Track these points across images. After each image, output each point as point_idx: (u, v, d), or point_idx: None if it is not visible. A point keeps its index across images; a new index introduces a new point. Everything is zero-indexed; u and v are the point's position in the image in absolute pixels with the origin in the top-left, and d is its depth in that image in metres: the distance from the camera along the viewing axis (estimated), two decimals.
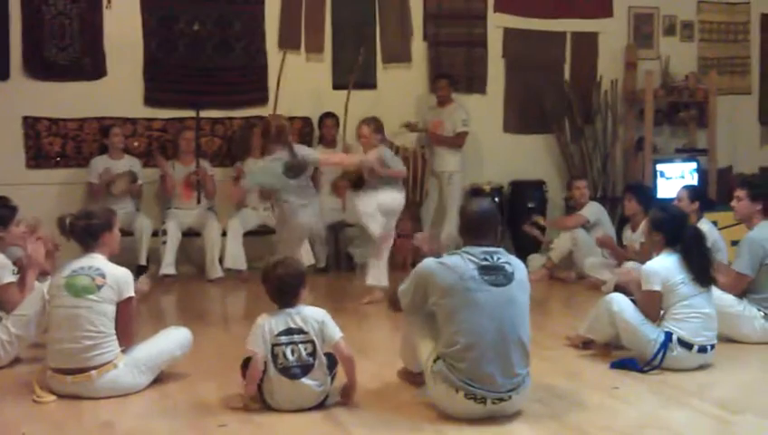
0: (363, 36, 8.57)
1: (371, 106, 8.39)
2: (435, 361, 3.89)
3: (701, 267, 4.71)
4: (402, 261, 7.64)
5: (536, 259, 7.76)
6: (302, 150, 6.47)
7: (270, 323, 3.97)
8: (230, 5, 8.29)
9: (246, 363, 4.02)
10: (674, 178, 8.54)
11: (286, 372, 3.92)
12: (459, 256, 3.94)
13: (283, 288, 4.03)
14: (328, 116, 8.23)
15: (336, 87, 8.43)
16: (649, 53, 9.36)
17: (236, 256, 7.55)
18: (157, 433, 3.79)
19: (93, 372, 4.15)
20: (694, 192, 6.55)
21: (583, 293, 6.95)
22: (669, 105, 9.29)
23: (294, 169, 6.12)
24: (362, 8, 8.66)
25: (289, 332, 3.96)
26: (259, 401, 4.01)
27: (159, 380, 4.41)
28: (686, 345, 4.58)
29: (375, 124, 6.72)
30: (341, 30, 8.58)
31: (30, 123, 7.83)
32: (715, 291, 4.89)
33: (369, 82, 8.59)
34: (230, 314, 6.45)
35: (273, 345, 3.93)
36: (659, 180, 8.59)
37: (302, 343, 3.95)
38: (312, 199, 6.45)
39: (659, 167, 8.68)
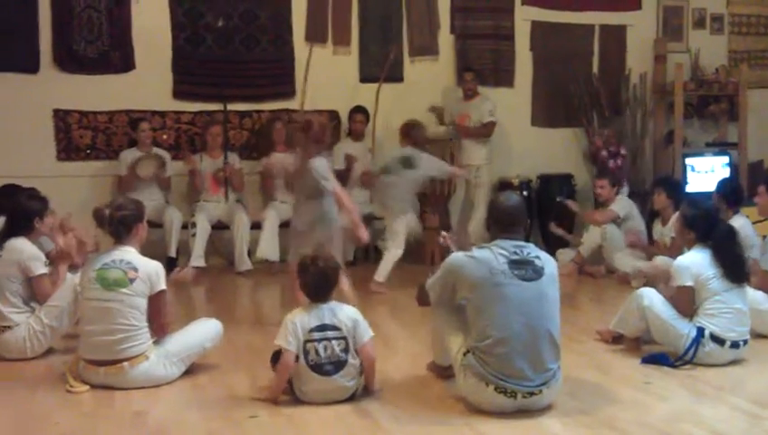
0: (390, 30, 8.55)
1: (398, 99, 8.42)
2: (464, 354, 3.89)
3: (733, 263, 4.67)
4: (430, 255, 7.62)
5: (565, 253, 7.72)
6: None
7: (303, 320, 3.97)
8: None
9: (276, 357, 4.04)
10: (704, 173, 8.46)
11: (318, 368, 3.92)
12: (489, 249, 3.94)
13: (322, 282, 4.03)
14: (358, 111, 8.22)
15: (363, 80, 8.43)
16: (679, 45, 9.29)
17: (272, 247, 7.53)
18: (188, 424, 3.82)
19: (126, 363, 4.19)
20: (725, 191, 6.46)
21: (613, 287, 6.91)
22: (699, 99, 9.22)
23: None
24: (389, 1, 8.64)
25: (323, 328, 3.96)
26: (289, 394, 4.02)
27: (190, 371, 4.44)
28: (719, 341, 4.55)
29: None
30: (368, 23, 8.58)
31: (60, 116, 7.88)
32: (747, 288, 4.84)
33: (396, 75, 8.58)
34: (260, 306, 6.46)
35: (306, 341, 3.93)
36: (689, 174, 8.52)
37: (335, 339, 3.96)
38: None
39: (689, 161, 8.61)
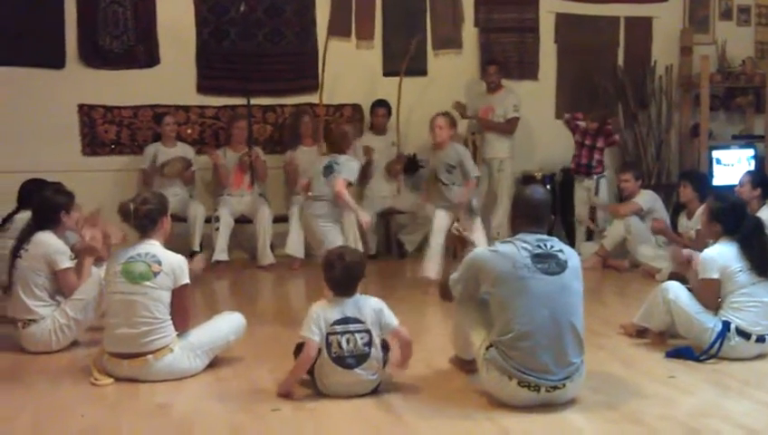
0: (414, 23, 8.53)
1: (422, 93, 8.41)
2: (487, 348, 3.88)
3: (760, 256, 4.62)
4: (452, 250, 7.59)
5: (589, 247, 7.69)
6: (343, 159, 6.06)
7: (326, 312, 3.98)
8: None
9: (299, 350, 4.05)
10: (730, 165, 8.39)
11: (340, 361, 3.93)
12: (512, 243, 3.92)
13: (348, 277, 4.04)
14: (379, 104, 8.22)
15: (386, 74, 8.42)
16: (705, 37, 9.19)
17: (298, 244, 7.54)
18: (211, 416, 3.83)
19: (150, 356, 4.21)
20: (757, 178, 6.42)
21: (637, 281, 6.88)
22: (726, 91, 9.12)
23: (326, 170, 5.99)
24: None
25: (345, 321, 3.97)
26: (311, 387, 4.03)
27: (214, 364, 4.46)
28: (745, 335, 4.51)
29: (450, 118, 6.77)
30: (392, 17, 8.57)
31: (85, 111, 7.95)
32: None
33: (420, 69, 8.56)
34: (282, 300, 6.48)
35: (329, 334, 3.94)
36: (715, 167, 8.45)
37: (357, 332, 3.96)
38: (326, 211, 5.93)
39: (715, 153, 8.54)
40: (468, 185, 6.71)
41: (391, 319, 4.04)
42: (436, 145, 6.70)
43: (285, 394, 4.00)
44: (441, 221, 6.63)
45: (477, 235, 6.58)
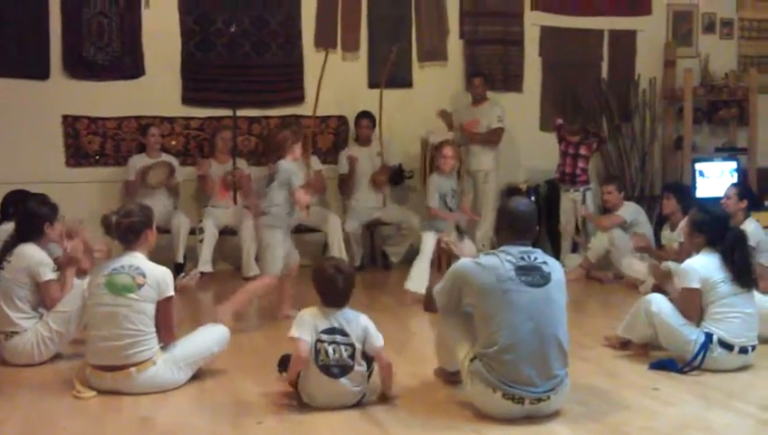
0: (399, 35, 8.56)
1: (407, 104, 8.43)
2: (471, 360, 3.89)
3: (742, 268, 4.66)
4: (437, 261, 7.60)
5: (573, 259, 7.72)
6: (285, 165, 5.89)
7: (316, 319, 3.99)
8: (267, 4, 8.30)
9: (283, 361, 4.05)
10: (713, 178, 8.43)
11: (326, 369, 3.93)
12: (496, 255, 3.93)
13: (337, 289, 4.04)
14: (363, 116, 8.22)
15: (372, 86, 8.43)
16: (688, 51, 9.25)
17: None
18: (195, 429, 3.82)
19: (133, 369, 4.19)
20: (743, 191, 6.46)
21: (620, 293, 6.90)
22: (709, 104, 9.18)
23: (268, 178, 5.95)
24: (398, 6, 8.65)
25: (332, 331, 3.97)
26: (296, 399, 4.03)
27: (197, 376, 4.45)
28: (727, 346, 4.53)
29: (457, 146, 6.91)
30: (377, 28, 8.59)
31: (69, 122, 7.93)
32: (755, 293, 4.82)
33: (405, 81, 8.59)
34: (266, 311, 6.44)
35: (317, 341, 3.95)
36: (698, 180, 8.49)
37: (343, 344, 3.97)
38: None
39: (698, 166, 8.58)
40: (465, 203, 6.90)
41: (376, 339, 4.03)
42: (443, 172, 6.74)
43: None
44: (431, 245, 6.64)
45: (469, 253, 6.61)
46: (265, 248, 5.76)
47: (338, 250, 7.56)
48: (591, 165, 8.16)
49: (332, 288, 4.04)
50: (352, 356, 3.96)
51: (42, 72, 7.81)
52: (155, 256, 4.57)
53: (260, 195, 5.91)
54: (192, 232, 7.59)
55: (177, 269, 7.30)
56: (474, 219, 6.85)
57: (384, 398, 4.10)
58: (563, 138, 8.01)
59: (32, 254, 4.85)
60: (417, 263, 6.65)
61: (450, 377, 4.29)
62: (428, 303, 4.27)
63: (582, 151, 7.89)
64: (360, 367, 3.98)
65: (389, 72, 8.05)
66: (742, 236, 4.83)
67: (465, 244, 6.63)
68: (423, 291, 6.30)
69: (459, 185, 6.88)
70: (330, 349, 3.94)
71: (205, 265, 7.46)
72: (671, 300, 4.78)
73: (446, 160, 6.71)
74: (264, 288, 5.85)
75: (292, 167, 5.80)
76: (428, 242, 6.64)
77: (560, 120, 8.20)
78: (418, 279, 6.48)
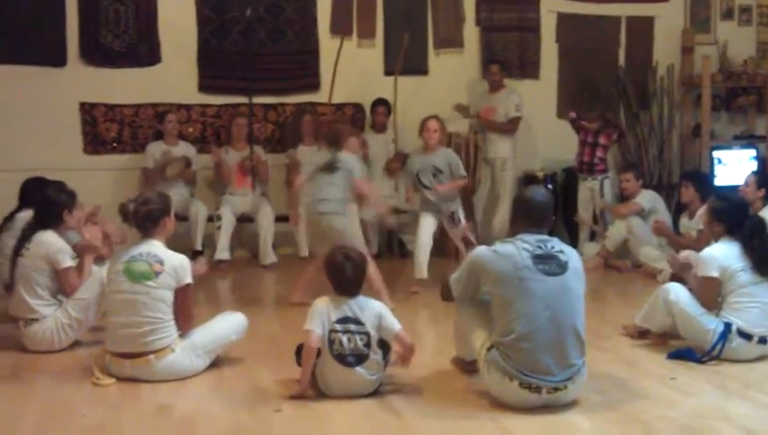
0: (415, 22, 8.53)
1: (423, 92, 8.40)
2: (488, 350, 3.88)
3: (762, 256, 4.62)
4: (455, 249, 7.59)
5: (591, 247, 7.70)
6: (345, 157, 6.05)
7: (329, 309, 3.99)
8: None
9: (300, 351, 4.05)
10: (732, 165, 8.38)
11: (341, 359, 3.94)
12: (513, 244, 3.92)
13: (349, 277, 4.04)
14: (379, 103, 8.21)
15: (388, 73, 8.41)
16: (707, 37, 9.18)
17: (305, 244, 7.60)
18: (213, 417, 3.83)
19: (152, 356, 4.21)
20: (762, 179, 6.40)
21: (639, 281, 6.88)
22: (727, 91, 9.12)
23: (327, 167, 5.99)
24: None
25: (345, 320, 3.97)
26: (313, 387, 4.04)
27: (215, 364, 4.46)
28: (746, 336, 4.51)
29: (442, 121, 6.74)
30: (393, 15, 8.56)
31: (87, 109, 7.96)
32: None
33: (420, 68, 8.57)
34: (284, 299, 6.47)
35: (331, 331, 3.95)
36: (717, 167, 8.44)
37: (357, 333, 3.96)
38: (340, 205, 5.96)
39: (717, 154, 8.52)
40: (456, 182, 6.60)
41: (393, 323, 4.04)
42: (427, 148, 6.65)
43: (299, 395, 3.99)
44: (427, 226, 6.59)
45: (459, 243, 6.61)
46: (352, 237, 5.78)
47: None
48: (609, 153, 8.12)
49: (341, 276, 4.05)
50: (367, 344, 3.96)
51: (59, 60, 7.84)
52: (173, 244, 4.58)
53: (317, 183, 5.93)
54: (210, 219, 7.61)
55: (195, 256, 7.32)
56: (441, 192, 6.49)
57: (397, 366, 4.13)
58: (581, 127, 7.97)
59: (51, 241, 4.87)
60: (416, 250, 6.61)
61: (467, 366, 4.29)
62: (445, 292, 4.26)
63: (601, 141, 7.86)
64: (376, 355, 3.98)
65: (403, 58, 8.00)
66: (761, 225, 4.79)
67: (458, 229, 6.60)
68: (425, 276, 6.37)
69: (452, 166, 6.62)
70: (344, 338, 3.95)
71: (222, 252, 7.49)
72: (690, 289, 4.76)
73: (429, 134, 6.55)
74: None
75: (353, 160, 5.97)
76: (421, 226, 6.59)
77: (572, 114, 8.14)
78: (418, 265, 6.50)
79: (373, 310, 4.03)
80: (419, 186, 6.60)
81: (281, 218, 7.72)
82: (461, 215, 6.73)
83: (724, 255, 4.65)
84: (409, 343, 4.08)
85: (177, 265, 4.32)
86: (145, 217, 4.36)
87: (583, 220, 7.96)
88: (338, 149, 5.92)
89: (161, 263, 4.29)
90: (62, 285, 4.87)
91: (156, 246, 4.37)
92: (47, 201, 5.01)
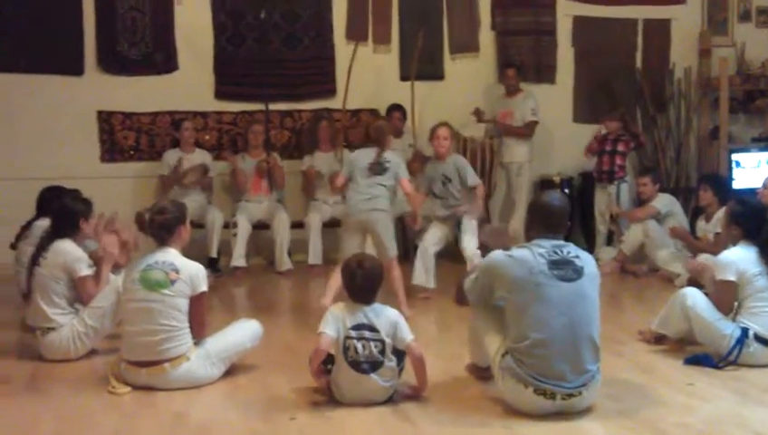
0: (430, 27, 8.53)
1: (439, 97, 8.40)
2: (503, 356, 3.87)
3: None
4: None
5: (607, 251, 7.67)
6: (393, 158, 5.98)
7: (345, 315, 4.00)
8: None
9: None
10: (750, 168, 8.32)
11: (356, 365, 3.94)
12: (528, 249, 3.91)
13: (365, 285, 4.04)
14: (395, 108, 8.21)
15: (404, 78, 8.39)
16: (724, 39, 9.12)
17: (318, 251, 7.61)
18: (229, 425, 3.85)
19: (167, 364, 4.23)
20: None
21: (655, 286, 6.83)
22: (745, 93, 9.04)
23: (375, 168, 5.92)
24: None
25: (360, 327, 3.97)
26: (327, 394, 4.04)
27: (231, 372, 4.48)
28: (763, 341, 4.48)
29: (451, 129, 6.72)
30: (409, 21, 8.56)
31: (104, 117, 8.00)
32: None
33: (436, 73, 8.56)
34: (300, 306, 6.49)
35: (346, 338, 3.96)
36: (735, 170, 8.38)
37: (372, 340, 3.96)
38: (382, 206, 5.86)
39: (735, 156, 8.46)
40: (476, 200, 6.62)
41: (406, 333, 4.02)
42: (438, 156, 6.61)
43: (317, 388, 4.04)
44: (432, 235, 6.57)
45: (468, 247, 6.48)
46: (391, 240, 5.81)
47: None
48: (627, 158, 8.08)
49: (352, 283, 4.05)
50: (382, 352, 3.96)
51: (76, 68, 7.90)
52: (188, 251, 4.60)
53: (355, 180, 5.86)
54: (226, 226, 7.62)
55: (211, 263, 7.37)
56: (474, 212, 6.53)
57: (416, 391, 4.08)
58: (601, 141, 7.92)
59: (68, 250, 4.90)
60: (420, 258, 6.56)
61: (482, 373, 4.28)
62: (460, 296, 4.25)
63: (620, 148, 7.84)
64: (390, 362, 3.98)
65: (417, 58, 7.99)
66: None
67: (465, 238, 6.51)
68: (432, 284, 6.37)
69: (461, 174, 6.58)
70: (359, 345, 3.95)
71: (238, 259, 7.51)
72: (707, 293, 4.73)
73: (439, 142, 6.52)
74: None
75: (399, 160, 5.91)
76: (428, 234, 6.58)
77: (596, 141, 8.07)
78: (418, 272, 6.46)
79: (389, 318, 4.03)
80: (431, 195, 6.60)
81: (296, 225, 7.76)
82: (466, 220, 6.58)
83: (741, 259, 4.62)
84: (419, 355, 4.04)
85: (193, 274, 4.34)
86: (161, 226, 4.38)
87: (601, 222, 7.90)
88: (382, 147, 5.83)
89: (177, 271, 4.31)
90: (79, 293, 4.89)
91: (172, 255, 4.39)
92: (63, 210, 5.03)
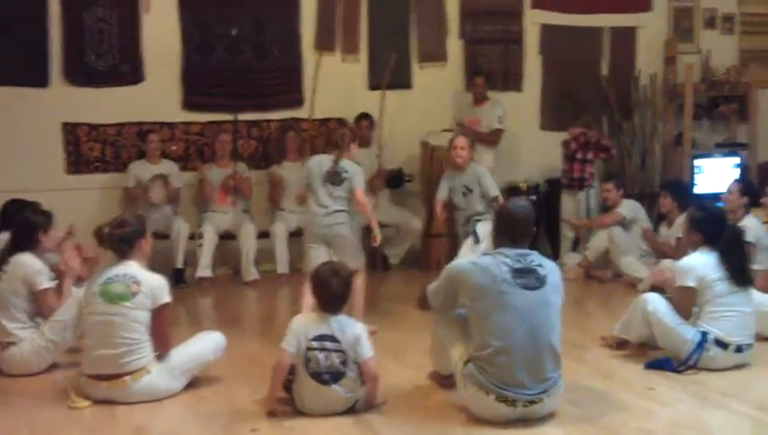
0: (399, 36, 8.55)
1: (407, 106, 8.42)
2: (465, 363, 3.89)
3: (739, 266, 4.65)
4: (435, 261, 7.60)
5: (573, 257, 7.71)
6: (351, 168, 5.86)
7: (307, 326, 3.99)
8: (266, 8, 8.30)
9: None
10: (714, 174, 8.40)
11: (317, 376, 3.93)
12: (493, 257, 3.93)
13: (334, 292, 4.03)
14: (363, 117, 8.21)
15: (372, 88, 8.41)
16: (689, 46, 9.21)
17: (284, 261, 7.61)
18: None
19: (128, 377, 4.20)
20: (745, 187, 6.41)
21: (620, 292, 6.86)
22: (709, 99, 9.14)
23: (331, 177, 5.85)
24: (398, 7, 8.63)
25: (322, 338, 3.96)
26: (290, 405, 4.03)
27: (193, 384, 4.45)
28: (723, 345, 4.52)
29: (470, 138, 6.72)
30: (377, 30, 8.57)
31: (70, 129, 7.93)
32: (752, 291, 4.81)
33: (404, 82, 8.57)
34: (265, 317, 6.47)
35: (307, 349, 3.95)
36: (699, 176, 8.45)
37: (334, 350, 3.95)
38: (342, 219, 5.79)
39: (699, 162, 8.54)
40: (497, 203, 6.44)
41: (366, 349, 4.00)
42: (456, 167, 6.61)
43: (270, 412, 4.00)
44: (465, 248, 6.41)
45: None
46: (356, 251, 5.77)
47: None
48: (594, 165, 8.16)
49: (326, 291, 4.04)
50: (344, 362, 3.95)
51: (42, 80, 7.82)
52: (154, 262, 4.58)
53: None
54: (192, 237, 7.59)
55: (177, 274, 7.34)
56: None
57: (368, 406, 4.07)
58: (572, 143, 7.97)
59: (28, 263, 4.85)
60: None
61: (444, 381, 4.28)
62: (422, 301, 4.25)
63: (589, 156, 7.91)
64: (352, 373, 3.97)
65: (388, 77, 8.02)
66: (738, 235, 4.83)
67: (479, 248, 6.30)
68: None
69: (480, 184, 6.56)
70: (320, 356, 3.94)
71: (204, 269, 7.47)
72: (669, 299, 4.77)
73: (456, 152, 6.51)
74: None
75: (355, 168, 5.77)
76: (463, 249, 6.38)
77: (573, 145, 8.13)
78: None
79: (353, 332, 4.01)
80: (452, 204, 6.61)
81: (263, 235, 7.74)
82: (480, 231, 6.34)
83: (701, 264, 4.66)
84: (373, 372, 4.02)
85: (155, 286, 4.32)
86: (120, 239, 4.36)
87: (568, 227, 7.96)
88: (340, 155, 5.70)
89: (138, 284, 4.28)
90: (39, 307, 4.84)
91: (133, 268, 4.36)
92: (22, 223, 4.99)
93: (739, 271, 4.65)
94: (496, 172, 8.25)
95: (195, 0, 8.13)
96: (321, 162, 5.76)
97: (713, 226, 4.78)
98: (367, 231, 7.88)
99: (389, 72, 8.00)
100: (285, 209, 7.87)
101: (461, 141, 6.57)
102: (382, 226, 7.97)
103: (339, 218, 5.69)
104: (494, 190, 6.63)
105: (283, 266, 7.61)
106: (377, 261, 8.20)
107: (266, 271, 7.70)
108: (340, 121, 8.41)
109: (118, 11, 7.98)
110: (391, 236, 8.14)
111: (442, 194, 6.72)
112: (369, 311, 5.79)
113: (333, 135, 6.01)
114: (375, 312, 5.86)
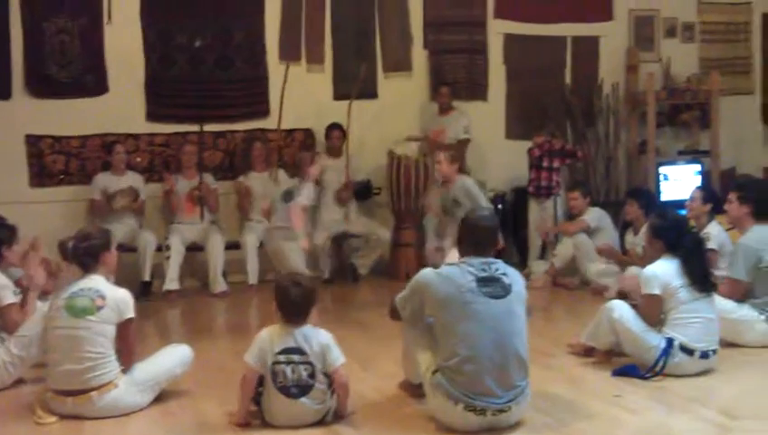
0: (363, 46, 8.57)
1: (373, 116, 8.43)
2: (433, 373, 3.89)
3: (701, 273, 4.70)
4: (405, 271, 7.61)
5: (539, 265, 7.75)
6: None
7: (272, 340, 3.97)
8: (230, 18, 8.28)
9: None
10: (678, 181, 8.50)
11: (285, 390, 3.91)
12: (458, 267, 3.95)
13: (292, 301, 4.00)
14: (334, 127, 8.18)
15: (337, 98, 8.42)
16: (651, 55, 9.34)
17: (255, 272, 7.64)
18: None
19: (94, 392, 4.15)
20: (708, 194, 6.49)
21: (587, 299, 6.90)
22: (671, 107, 9.26)
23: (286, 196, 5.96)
24: (362, 18, 8.65)
25: (288, 351, 3.94)
26: (258, 418, 4.01)
27: (161, 398, 4.41)
28: (688, 351, 4.57)
29: (451, 154, 6.78)
30: (342, 40, 8.59)
31: (33, 141, 7.85)
32: (716, 297, 4.87)
33: (370, 92, 8.58)
34: (233, 328, 6.43)
35: (274, 363, 3.92)
36: (663, 183, 8.55)
37: (301, 363, 3.93)
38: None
39: (662, 169, 8.65)
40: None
41: (336, 357, 3.99)
42: (444, 181, 6.62)
43: (243, 424, 3.99)
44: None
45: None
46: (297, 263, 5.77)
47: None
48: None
49: (286, 301, 4.01)
50: (312, 375, 3.93)
51: (3, 92, 7.74)
52: (121, 275, 4.54)
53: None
54: (159, 249, 7.53)
55: (144, 288, 7.28)
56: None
57: (338, 416, 4.06)
58: (536, 150, 8.03)
59: None
60: None
61: (415, 390, 4.28)
62: (393, 312, 4.26)
63: (555, 164, 7.98)
64: (321, 385, 3.95)
65: (358, 89, 8.04)
66: (699, 241, 4.89)
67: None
68: None
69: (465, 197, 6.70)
70: (287, 370, 3.92)
71: (171, 282, 7.42)
72: (634, 306, 4.82)
73: (435, 167, 6.58)
74: None
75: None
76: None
77: (536, 152, 8.18)
78: None
79: (320, 342, 3.99)
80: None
81: (232, 246, 7.71)
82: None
83: (664, 272, 4.71)
84: (343, 381, 4.01)
85: (120, 300, 4.28)
86: (85, 253, 4.31)
87: (535, 235, 8.02)
88: (301, 176, 5.89)
89: (103, 298, 4.24)
90: (4, 322, 4.77)
91: (98, 281, 4.32)
92: None
93: (701, 278, 4.69)
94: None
95: (157, 10, 8.09)
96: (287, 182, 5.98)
97: (673, 232, 4.82)
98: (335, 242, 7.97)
99: (360, 83, 8.01)
100: (254, 220, 7.85)
101: (439, 156, 6.60)
102: (351, 236, 8.05)
103: (290, 235, 6.04)
104: (483, 203, 6.75)
105: (253, 277, 7.59)
106: (346, 272, 8.21)
107: (236, 282, 7.67)
108: (307, 132, 8.43)
109: (79, 21, 7.92)
110: (360, 247, 8.14)
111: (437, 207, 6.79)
112: (340, 322, 5.78)
113: (294, 157, 6.12)
114: (346, 322, 5.85)
